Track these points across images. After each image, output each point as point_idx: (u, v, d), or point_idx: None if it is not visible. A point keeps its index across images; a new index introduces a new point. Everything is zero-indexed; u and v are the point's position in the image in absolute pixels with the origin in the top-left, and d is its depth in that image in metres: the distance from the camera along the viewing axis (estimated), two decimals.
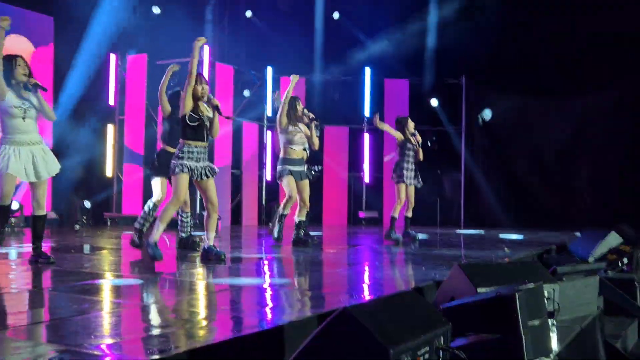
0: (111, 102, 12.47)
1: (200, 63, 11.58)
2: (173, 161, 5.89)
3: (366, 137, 13.75)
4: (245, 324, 3.40)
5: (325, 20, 13.92)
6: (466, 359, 2.70)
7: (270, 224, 7.79)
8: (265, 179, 13.43)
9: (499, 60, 12.68)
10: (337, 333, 2.35)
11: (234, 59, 13.46)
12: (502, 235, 10.45)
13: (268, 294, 4.49)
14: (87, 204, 11.42)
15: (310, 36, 13.60)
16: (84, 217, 11.50)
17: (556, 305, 3.76)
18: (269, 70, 13.25)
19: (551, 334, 3.46)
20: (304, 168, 8.01)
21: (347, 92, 13.94)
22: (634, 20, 11.89)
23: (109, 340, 2.85)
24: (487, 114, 12.83)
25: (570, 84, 12.69)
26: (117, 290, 4.54)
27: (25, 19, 10.55)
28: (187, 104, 5.86)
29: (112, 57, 12.33)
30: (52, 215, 10.41)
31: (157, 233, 5.82)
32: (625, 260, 6.46)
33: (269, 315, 3.63)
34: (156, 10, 12.71)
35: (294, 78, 8.06)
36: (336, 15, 13.86)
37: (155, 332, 3.13)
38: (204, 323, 3.34)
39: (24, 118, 5.49)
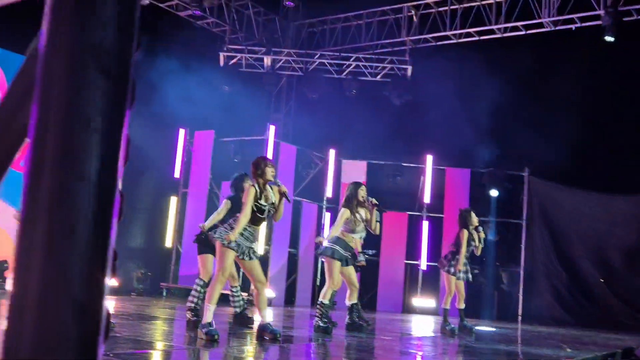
0: (176, 174, 12.79)
1: (265, 142, 11.85)
2: (224, 229, 5.88)
3: (425, 224, 13.65)
4: None
5: (388, 105, 14.12)
6: None
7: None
8: (321, 260, 13.38)
9: (563, 155, 12.56)
10: None
11: (298, 139, 13.73)
12: (561, 333, 10.06)
13: None
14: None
15: (373, 120, 13.79)
16: (141, 286, 11.64)
17: None
18: (332, 152, 13.44)
19: None
20: (349, 254, 7.75)
21: (408, 178, 13.96)
22: None
23: None
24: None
25: (636, 181, 12.43)
26: None
27: None
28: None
29: (182, 132, 12.74)
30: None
31: (209, 314, 5.67)
32: None
33: None
34: (226, 88, 13.18)
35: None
36: (397, 101, 14.06)
37: None
38: None
39: None
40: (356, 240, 7.80)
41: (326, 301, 7.38)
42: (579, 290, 13.00)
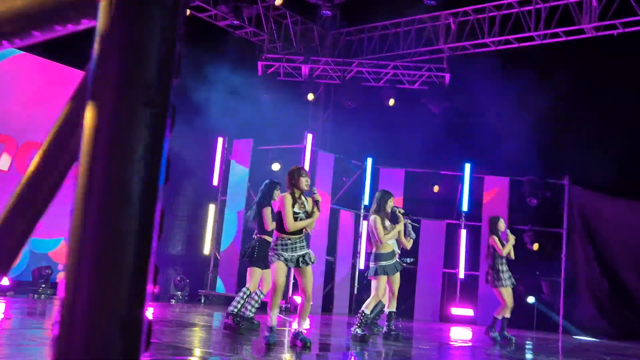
0: (215, 182, 12.95)
1: (303, 150, 11.94)
2: (270, 253, 6.16)
3: (463, 232, 13.55)
4: None
5: (426, 113, 14.08)
6: None
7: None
8: (359, 268, 13.39)
9: (605, 165, 12.36)
10: None
11: (335, 147, 13.79)
12: (604, 344, 9.88)
13: None
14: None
15: (411, 128, 13.77)
16: (179, 293, 11.79)
17: None
18: (369, 160, 13.46)
19: None
20: (394, 261, 7.83)
21: (446, 187, 13.89)
22: None
23: None
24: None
25: None
26: None
27: None
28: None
29: (220, 140, 12.90)
30: None
31: (272, 318, 6.02)
32: None
33: None
34: (266, 97, 13.33)
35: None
36: (435, 109, 14.00)
37: None
38: None
39: None
40: (391, 246, 7.80)
41: (368, 311, 7.42)
42: (622, 301, 12.75)
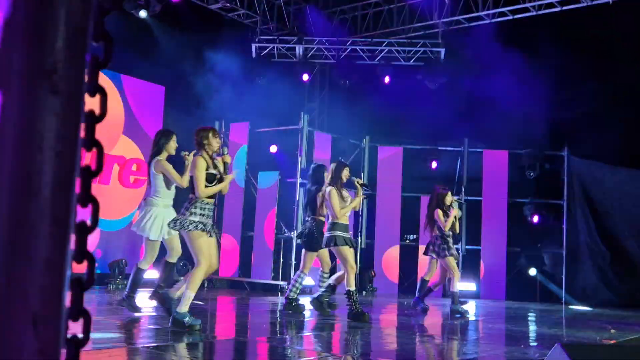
0: None
1: (300, 131, 11.91)
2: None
3: (463, 207, 13.51)
4: None
5: (423, 89, 13.99)
6: None
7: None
8: (361, 247, 13.39)
9: (603, 135, 12.29)
10: None
11: (333, 127, 13.74)
12: (606, 314, 9.90)
13: None
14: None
15: (408, 105, 13.69)
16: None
17: None
18: (367, 138, 13.42)
19: None
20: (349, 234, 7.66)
21: (445, 162, 13.83)
22: None
23: None
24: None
25: None
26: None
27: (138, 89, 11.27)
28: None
29: (216, 124, 12.84)
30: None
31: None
32: None
33: None
34: (262, 79, 13.26)
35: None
36: (431, 85, 13.86)
37: None
38: None
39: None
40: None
41: (352, 288, 7.30)
42: (624, 270, 12.75)
